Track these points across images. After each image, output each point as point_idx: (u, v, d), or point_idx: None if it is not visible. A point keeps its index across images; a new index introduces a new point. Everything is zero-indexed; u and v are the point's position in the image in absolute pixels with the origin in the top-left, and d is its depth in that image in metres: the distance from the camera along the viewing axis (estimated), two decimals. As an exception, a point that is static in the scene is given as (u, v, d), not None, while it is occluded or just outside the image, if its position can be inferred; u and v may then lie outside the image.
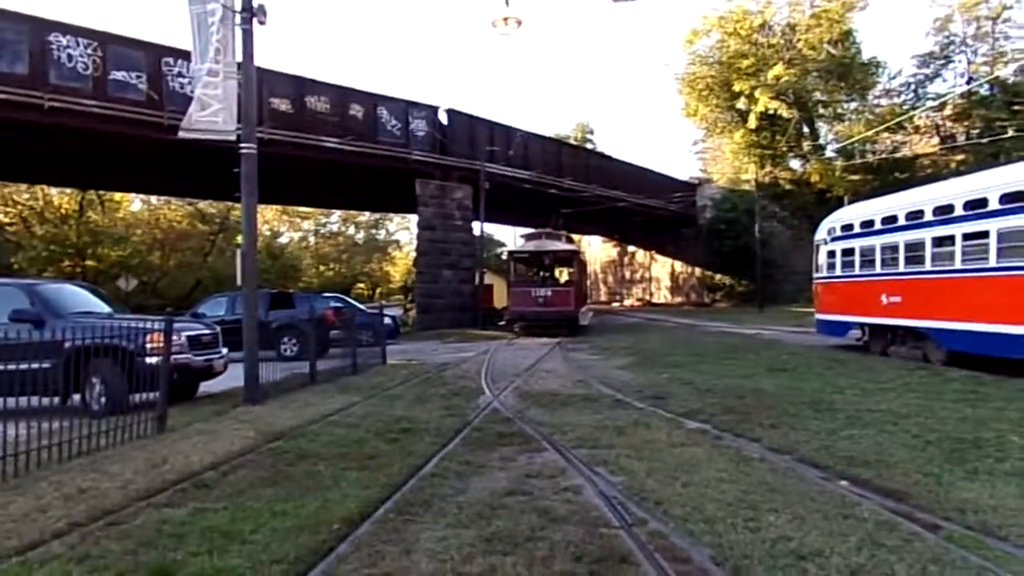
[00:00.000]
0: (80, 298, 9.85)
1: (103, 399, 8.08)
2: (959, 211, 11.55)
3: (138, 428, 6.73)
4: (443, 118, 28.85)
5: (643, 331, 25.20)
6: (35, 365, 5.96)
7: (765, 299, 38.25)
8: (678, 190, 46.30)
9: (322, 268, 56.85)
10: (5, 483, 5.03)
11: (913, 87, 43.30)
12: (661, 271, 54.36)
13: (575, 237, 40.61)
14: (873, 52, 48.79)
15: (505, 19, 17.45)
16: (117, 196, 40.12)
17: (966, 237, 11.34)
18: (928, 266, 12.26)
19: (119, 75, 19.49)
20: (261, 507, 4.41)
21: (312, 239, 59.75)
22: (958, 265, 11.50)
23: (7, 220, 35.37)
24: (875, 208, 14.68)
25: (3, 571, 3.45)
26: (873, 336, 14.36)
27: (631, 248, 58.56)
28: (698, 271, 49.27)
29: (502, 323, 27.53)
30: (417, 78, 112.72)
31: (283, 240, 56.72)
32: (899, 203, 13.70)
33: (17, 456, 5.26)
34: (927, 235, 12.31)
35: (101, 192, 37.71)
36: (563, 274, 30.34)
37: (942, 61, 41.79)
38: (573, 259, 27.58)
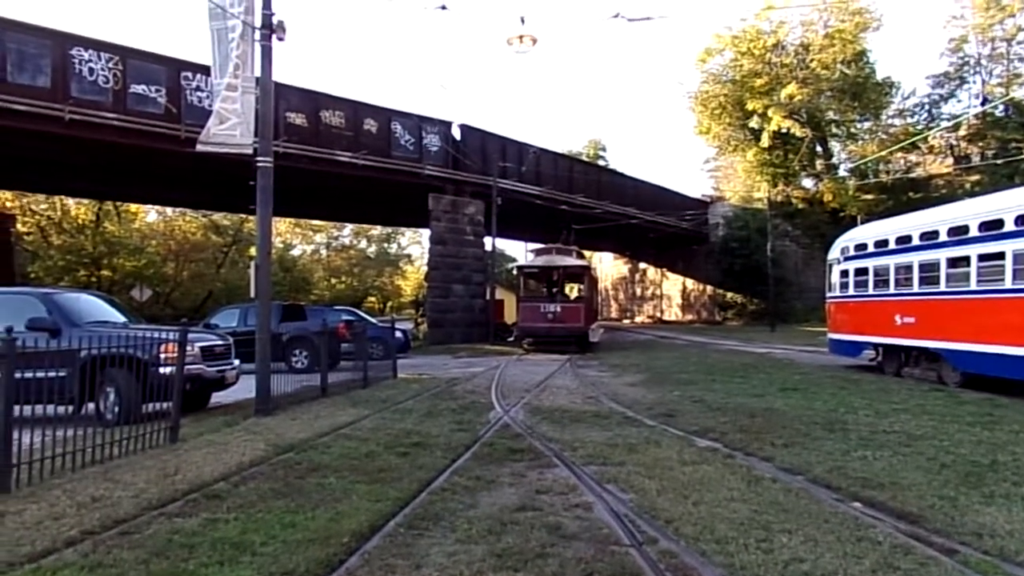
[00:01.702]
0: (96, 307, 9.93)
1: (117, 408, 8.12)
2: (974, 232, 11.48)
3: (151, 438, 6.77)
4: (456, 133, 29.07)
5: (654, 348, 25.11)
6: (51, 373, 6.02)
7: (777, 318, 38.03)
8: (690, 208, 46.31)
9: (334, 281, 57.16)
10: (19, 490, 5.07)
11: (927, 107, 43.29)
12: (672, 288, 54.21)
13: (586, 253, 40.48)
14: (887, 72, 48.67)
15: (520, 37, 17.62)
16: (133, 207, 40.63)
17: (981, 258, 11.26)
18: (943, 287, 12.17)
19: (139, 88, 19.82)
20: (272, 519, 4.42)
21: (324, 252, 60.19)
22: (973, 286, 11.41)
23: (25, 230, 35.82)
24: (889, 228, 14.61)
25: (16, 578, 3.48)
26: (886, 356, 14.23)
27: (642, 265, 58.47)
28: (709, 289, 49.09)
29: (510, 339, 27.40)
30: (431, 94, 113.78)
31: (295, 252, 57.17)
32: (913, 223, 13.64)
33: (31, 464, 5.31)
34: (942, 255, 12.23)
35: (118, 203, 38.23)
36: (573, 290, 30.24)
37: (957, 82, 41.78)
38: (584, 275, 27.38)
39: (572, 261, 26.59)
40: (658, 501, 4.83)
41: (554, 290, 27.43)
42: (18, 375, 5.28)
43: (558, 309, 23.54)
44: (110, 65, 19.28)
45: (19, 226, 34.17)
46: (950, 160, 41.10)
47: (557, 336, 23.02)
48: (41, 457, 5.41)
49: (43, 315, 8.49)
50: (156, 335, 7.88)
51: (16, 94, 17.52)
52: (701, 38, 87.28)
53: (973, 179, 37.21)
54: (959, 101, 42.53)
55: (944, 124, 39.85)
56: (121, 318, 9.98)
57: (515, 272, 29.28)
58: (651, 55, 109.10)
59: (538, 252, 28.20)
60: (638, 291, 60.25)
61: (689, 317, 50.93)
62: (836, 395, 10.80)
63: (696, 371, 15.18)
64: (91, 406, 7.67)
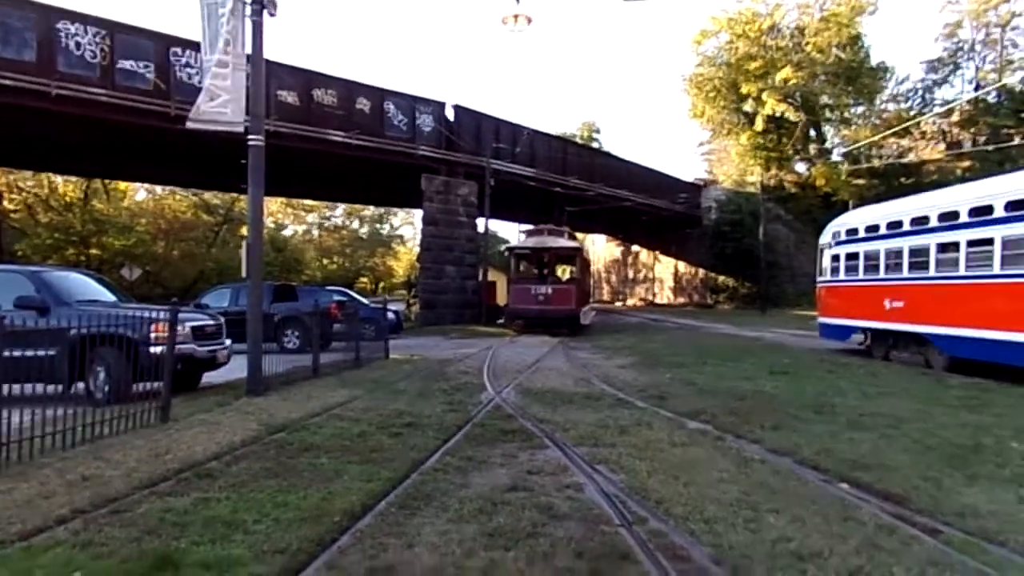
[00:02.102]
0: (86, 286, 9.85)
1: (107, 387, 8.10)
2: (964, 218, 11.54)
3: (141, 417, 6.77)
4: (450, 114, 28.84)
5: (645, 331, 25.21)
6: (40, 352, 6.00)
7: (768, 302, 38.26)
8: (683, 191, 46.29)
9: (325, 261, 57.01)
10: (9, 469, 5.07)
11: (921, 92, 43.37)
12: (664, 271, 54.35)
13: (578, 235, 40.37)
14: (882, 57, 48.72)
15: (515, 16, 17.45)
16: (122, 185, 40.25)
17: (971, 244, 11.34)
18: (932, 272, 12.25)
19: (127, 64, 19.51)
20: (264, 498, 4.43)
21: (316, 232, 59.93)
22: (962, 272, 11.50)
23: (12, 207, 35.46)
24: (880, 213, 14.67)
25: (7, 556, 3.48)
26: (875, 341, 14.36)
27: (635, 248, 58.56)
28: (701, 272, 49.25)
29: (500, 321, 27.22)
30: (425, 74, 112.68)
31: (287, 233, 56.87)
32: (904, 208, 13.69)
33: (21, 442, 5.30)
34: (931, 241, 12.30)
35: (106, 181, 37.82)
36: (565, 272, 30.14)
37: (950, 67, 41.85)
38: (576, 256, 27.00)
39: (564, 242, 26.07)
40: (648, 482, 4.87)
41: (545, 272, 27.23)
42: (7, 354, 5.25)
43: (549, 291, 23.20)
44: (97, 40, 18.96)
45: (6, 203, 33.85)
46: (942, 146, 41.23)
47: (548, 318, 22.78)
48: (31, 436, 5.40)
49: (32, 294, 8.42)
50: (146, 314, 7.84)
51: (1, 68, 17.23)
52: (697, 20, 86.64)
53: (964, 165, 37.38)
54: (952, 87, 42.67)
55: (937, 109, 39.94)
56: (111, 297, 9.92)
57: (506, 253, 28.75)
58: (646, 37, 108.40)
59: (529, 233, 27.70)
60: (630, 274, 60.37)
61: (681, 300, 51.14)
62: (825, 379, 10.90)
63: (687, 354, 15.26)
64: (81, 385, 7.65)
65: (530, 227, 28.94)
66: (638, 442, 6.18)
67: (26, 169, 33.46)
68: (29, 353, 5.72)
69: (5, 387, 5.28)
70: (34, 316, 7.46)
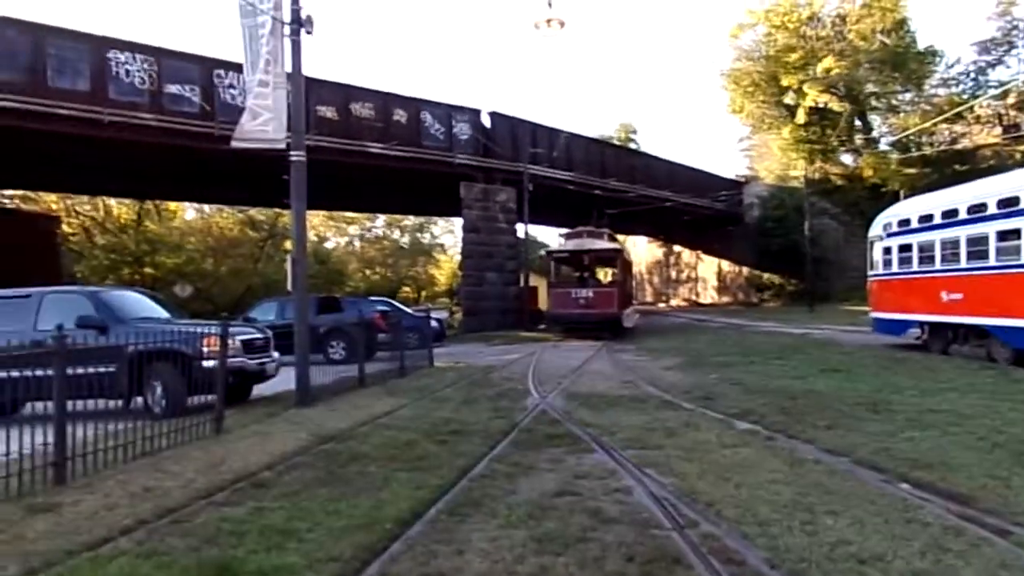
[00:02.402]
0: (141, 304, 10.20)
1: (164, 402, 8.35)
2: (1024, 203, 11.06)
3: (197, 429, 6.95)
4: (486, 121, 29.01)
5: (690, 332, 24.84)
6: (100, 369, 6.22)
7: (816, 298, 37.22)
8: (724, 188, 45.54)
9: (368, 272, 57.68)
10: (75, 482, 5.26)
11: (973, 75, 41.70)
12: (707, 271, 53.50)
13: (619, 237, 39.98)
14: (929, 40, 47.05)
15: (548, 21, 17.47)
16: (172, 206, 41.62)
17: (1032, 231, 10.85)
18: (992, 261, 11.76)
19: (174, 88, 20.22)
20: (316, 507, 4.50)
21: (358, 244, 60.74)
22: (1024, 260, 11.01)
23: (70, 231, 36.98)
24: (934, 202, 14.16)
25: (76, 566, 3.60)
26: (933, 335, 13.85)
27: (677, 248, 57.82)
28: (746, 270, 48.32)
29: (542, 326, 27.03)
30: (460, 82, 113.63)
31: (329, 245, 57.77)
32: (960, 197, 13.19)
33: (85, 456, 5.49)
34: (991, 229, 11.81)
35: (157, 202, 39.16)
36: (606, 274, 29.83)
37: (1005, 47, 40.12)
38: (616, 258, 26.41)
39: (603, 244, 25.49)
40: (698, 484, 4.79)
41: (585, 274, 26.78)
42: (70, 371, 5.45)
43: (590, 294, 22.70)
44: (145, 66, 19.69)
45: (64, 227, 35.30)
46: (998, 130, 39.58)
47: (589, 322, 22.18)
48: (94, 450, 5.59)
49: (91, 313, 8.75)
50: (199, 330, 8.07)
51: (57, 98, 18.03)
52: (733, 13, 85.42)
53: (1022, 148, 35.82)
54: (1008, 67, 40.86)
55: (991, 92, 38.33)
56: (165, 314, 10.23)
57: (545, 257, 28.22)
58: (681, 34, 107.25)
59: (568, 236, 27.11)
60: (673, 274, 59.63)
61: (725, 299, 50.25)
62: (880, 375, 10.56)
63: (734, 353, 14.98)
64: (139, 400, 7.90)
65: (568, 230, 28.64)
66: (686, 444, 6.09)
67: (82, 194, 34.91)
68: (91, 370, 5.94)
69: (69, 403, 5.49)
70: (94, 334, 7.75)
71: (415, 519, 4.22)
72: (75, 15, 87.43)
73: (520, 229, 30.61)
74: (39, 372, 5.38)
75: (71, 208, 37.25)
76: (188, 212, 45.02)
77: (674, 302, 56.93)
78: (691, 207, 41.69)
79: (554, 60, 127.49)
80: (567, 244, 26.07)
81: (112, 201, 38.10)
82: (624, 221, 38.85)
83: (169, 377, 8.16)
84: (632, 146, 56.44)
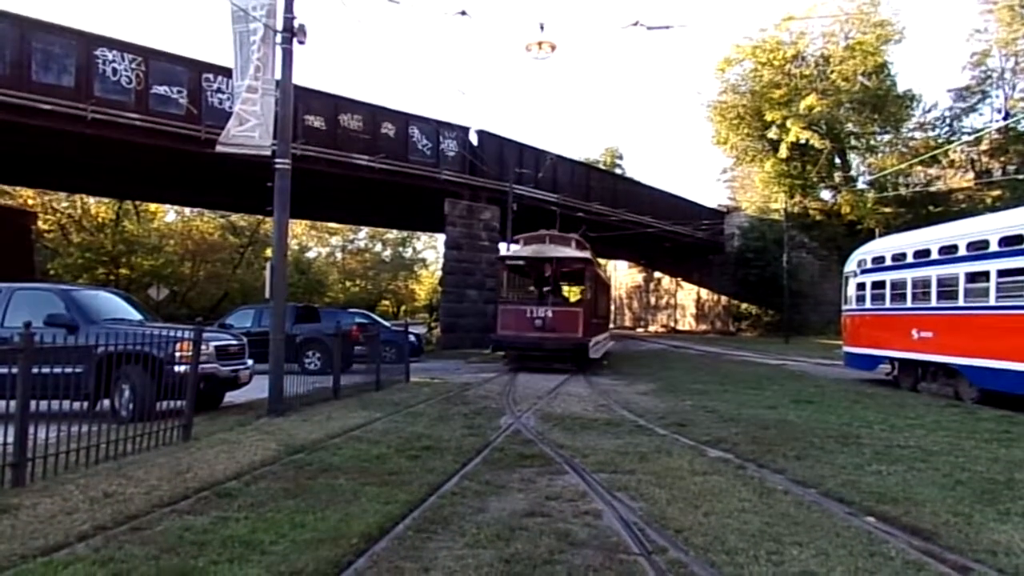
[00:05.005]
0: (113, 305, 10.04)
1: (131, 405, 8.18)
2: (994, 247, 11.33)
3: (164, 435, 6.83)
4: (474, 139, 29.14)
5: (667, 358, 24.97)
6: (67, 369, 6.09)
7: (792, 330, 37.71)
8: (706, 217, 46.12)
9: (348, 284, 57.38)
10: (33, 484, 5.13)
11: (948, 121, 42.91)
12: (687, 298, 53.94)
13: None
14: (908, 85, 48.35)
15: (540, 43, 17.63)
16: (152, 207, 41.15)
17: (1001, 273, 11.12)
18: (961, 301, 12.02)
19: (161, 89, 20.05)
20: (282, 518, 4.43)
21: (339, 255, 60.50)
22: (992, 302, 11.26)
23: (46, 227, 36.38)
24: (907, 241, 14.47)
25: (28, 571, 3.51)
26: (903, 371, 14.07)
27: (657, 274, 58.26)
28: (724, 299, 48.81)
29: (486, 351, 22.54)
30: (449, 100, 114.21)
31: (311, 255, 57.48)
32: (932, 237, 13.50)
33: (46, 458, 5.36)
34: (961, 270, 12.09)
35: (137, 202, 38.71)
36: (571, 290, 26.74)
37: (979, 95, 41.41)
38: (584, 270, 20.43)
39: (570, 252, 20.00)
40: (668, 510, 4.80)
41: (545, 289, 20.76)
42: (35, 370, 5.34)
43: (549, 314, 17.97)
44: (133, 66, 19.52)
45: (40, 223, 34.73)
46: (971, 174, 40.72)
47: (547, 349, 17.95)
48: (56, 452, 5.47)
49: (61, 311, 8.60)
50: (172, 333, 7.95)
51: (41, 93, 17.79)
52: (720, 47, 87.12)
53: (994, 194, 36.83)
54: (981, 115, 42.15)
55: (965, 138, 39.45)
56: (138, 316, 10.08)
57: (497, 263, 22.57)
58: (669, 64, 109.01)
59: (527, 240, 21.21)
60: (652, 300, 59.99)
61: (703, 327, 50.64)
62: (850, 409, 10.69)
63: (709, 381, 15.08)
64: (106, 403, 7.74)
65: (528, 233, 21.87)
66: (658, 469, 6.10)
67: (61, 191, 34.41)
68: (57, 370, 5.82)
69: (32, 403, 5.37)
70: (63, 333, 7.60)
71: (382, 535, 4.17)
72: (65, 12, 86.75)
73: (503, 248, 30.64)
74: (3, 370, 5.25)
75: (48, 204, 36.66)
76: (168, 214, 44.58)
77: (652, 328, 57.21)
78: (673, 234, 42.12)
79: (544, 82, 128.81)
80: (524, 249, 20.61)
81: (91, 199, 37.57)
82: (606, 245, 39.11)
83: (138, 380, 8.00)
84: (617, 171, 57.02)
